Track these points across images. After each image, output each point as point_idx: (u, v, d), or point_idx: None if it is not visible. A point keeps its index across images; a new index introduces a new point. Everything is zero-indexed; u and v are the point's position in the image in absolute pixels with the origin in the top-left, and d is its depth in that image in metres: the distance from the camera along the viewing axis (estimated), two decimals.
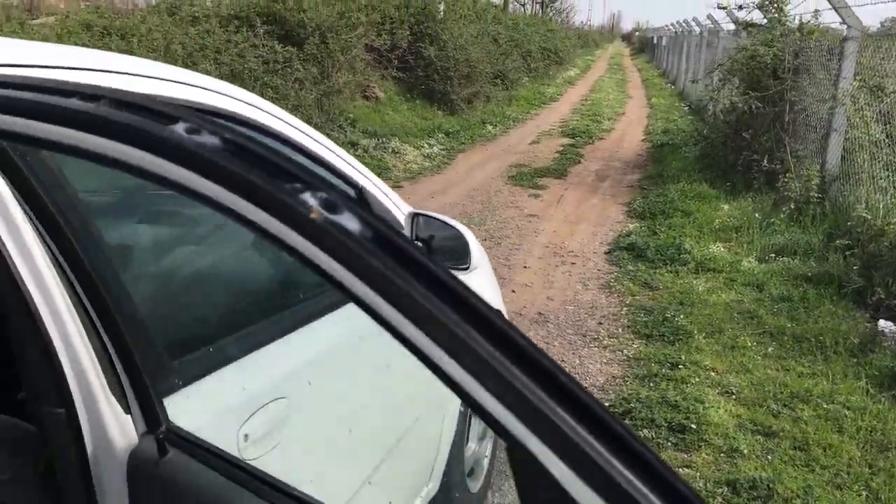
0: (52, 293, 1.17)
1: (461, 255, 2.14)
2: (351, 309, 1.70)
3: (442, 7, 15.08)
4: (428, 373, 1.84)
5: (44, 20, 9.46)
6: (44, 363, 1.18)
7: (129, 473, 1.13)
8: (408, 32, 13.92)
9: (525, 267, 6.44)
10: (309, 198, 0.52)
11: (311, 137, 1.96)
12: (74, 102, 0.63)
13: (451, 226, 2.16)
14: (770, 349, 4.73)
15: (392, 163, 10.36)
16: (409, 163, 10.67)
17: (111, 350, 1.18)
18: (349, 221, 0.51)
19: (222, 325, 1.64)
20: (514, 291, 5.81)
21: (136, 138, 0.57)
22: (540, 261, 6.65)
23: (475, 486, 2.96)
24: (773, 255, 6.55)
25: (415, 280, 0.50)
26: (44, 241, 1.17)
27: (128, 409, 1.19)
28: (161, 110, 0.57)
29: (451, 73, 14.21)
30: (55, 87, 0.68)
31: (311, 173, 0.53)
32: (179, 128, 0.55)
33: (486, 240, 6.99)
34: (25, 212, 1.14)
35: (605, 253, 6.95)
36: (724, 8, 10.92)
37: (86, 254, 1.18)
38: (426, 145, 11.68)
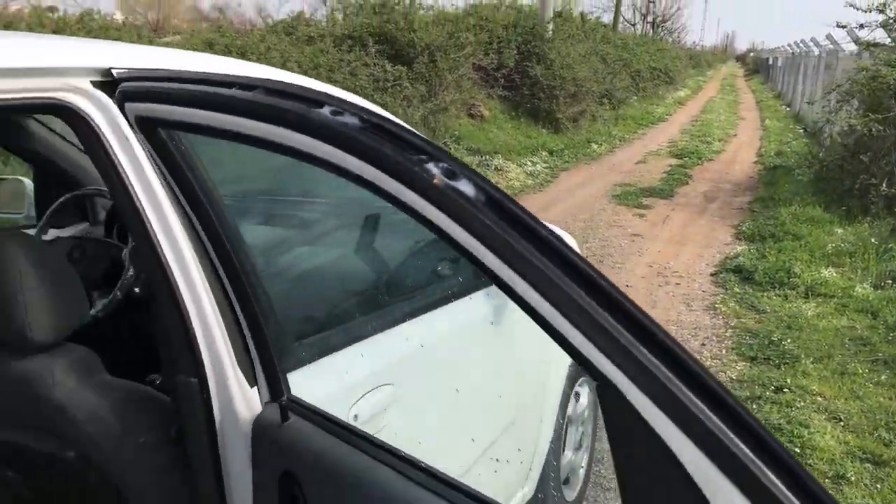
0: (193, 275, 1.30)
1: None
2: (456, 306, 1.80)
3: (550, 27, 15.13)
4: (527, 377, 1.93)
5: (170, 39, 10.09)
6: (181, 337, 1.31)
7: (253, 437, 1.24)
8: (515, 52, 14.04)
9: (627, 286, 6.39)
10: (432, 167, 0.60)
11: None
12: (235, 92, 0.74)
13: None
14: (883, 377, 4.55)
15: (495, 180, 10.46)
16: (512, 180, 10.75)
17: (244, 327, 1.30)
18: (466, 187, 0.59)
19: (337, 314, 1.76)
20: None
21: (289, 121, 0.67)
22: (643, 280, 6.58)
23: (571, 495, 2.99)
24: (890, 281, 6.28)
25: (521, 237, 0.58)
26: (190, 226, 1.30)
27: (253, 382, 1.31)
28: (309, 96, 0.67)
29: (558, 92, 14.22)
30: (215, 79, 0.79)
31: (435, 147, 0.62)
32: (326, 111, 0.65)
33: (587, 258, 6.97)
34: (175, 198, 1.28)
35: (711, 275, 6.82)
36: (843, 27, 10.53)
37: (226, 240, 1.30)
38: (529, 163, 11.74)
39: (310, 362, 1.46)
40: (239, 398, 1.29)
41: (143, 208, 1.28)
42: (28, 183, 2.99)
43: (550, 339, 0.60)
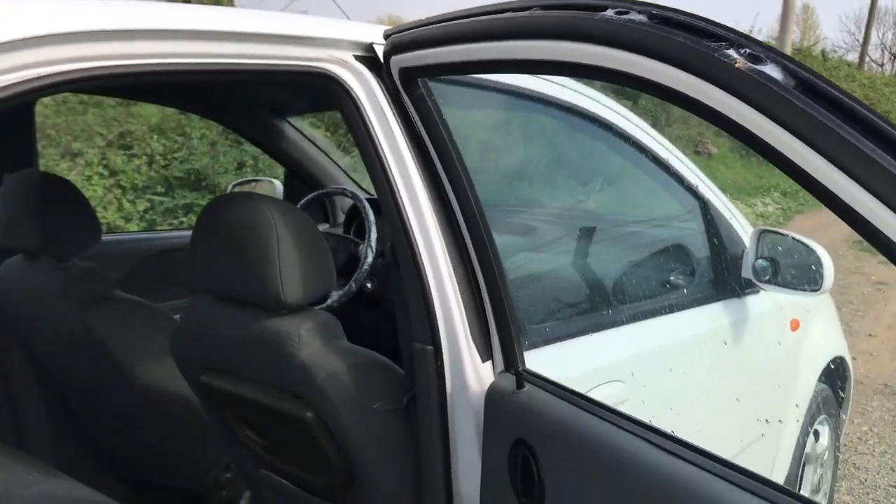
0: (435, 245, 1.32)
1: (812, 276, 2.02)
2: (689, 315, 1.69)
3: None
4: (762, 404, 1.76)
5: None
6: (420, 305, 1.33)
7: (486, 404, 1.23)
8: None
9: (870, 335, 5.81)
10: (733, 52, 0.55)
11: (655, 140, 2.00)
12: (510, 16, 0.72)
13: (802, 243, 2.05)
14: None
15: None
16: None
17: (484, 298, 1.30)
18: (774, 71, 0.53)
19: (566, 308, 1.72)
20: (855, 358, 5.26)
21: (573, 32, 0.63)
22: (889, 331, 5.95)
23: None
24: None
25: (848, 127, 0.49)
26: (437, 195, 1.32)
27: (486, 355, 1.30)
28: (588, 2, 0.64)
29: None
30: (486, 9, 0.79)
31: (737, 32, 0.56)
32: (609, 13, 0.62)
33: None
34: (424, 165, 1.31)
35: None
36: None
37: (474, 209, 1.31)
38: (759, 203, 11.11)
39: (541, 346, 1.42)
40: (471, 368, 1.29)
41: (392, 176, 1.33)
42: (278, 185, 3.24)
43: (882, 252, 0.51)
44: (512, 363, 1.23)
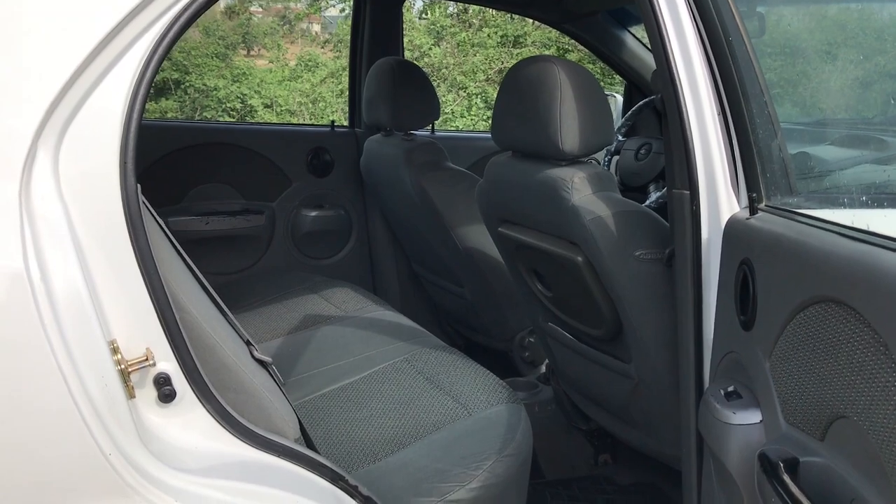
0: (701, 95, 1.35)
1: None
2: None
3: None
4: None
5: None
6: (681, 152, 1.38)
7: (724, 236, 1.27)
8: None
9: None
10: None
11: None
12: None
13: None
14: None
15: None
16: None
17: (734, 141, 1.31)
18: None
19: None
20: None
21: None
22: None
23: None
24: None
25: None
26: (702, 47, 1.35)
27: (738, 195, 1.32)
28: None
29: None
30: None
31: None
32: None
33: None
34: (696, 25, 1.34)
35: None
36: None
37: (730, 59, 1.31)
38: None
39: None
40: (727, 212, 1.31)
41: (663, 21, 1.37)
42: (619, 98, 3.34)
43: None
44: (754, 198, 1.24)
